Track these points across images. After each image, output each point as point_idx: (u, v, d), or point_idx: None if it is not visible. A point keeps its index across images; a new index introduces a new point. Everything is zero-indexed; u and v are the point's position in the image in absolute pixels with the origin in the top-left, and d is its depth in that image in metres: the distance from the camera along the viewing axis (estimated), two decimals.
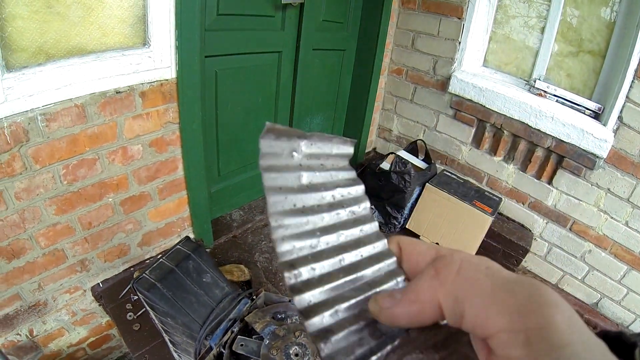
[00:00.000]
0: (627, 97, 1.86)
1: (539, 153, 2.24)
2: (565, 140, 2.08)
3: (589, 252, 2.20)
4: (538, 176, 2.29)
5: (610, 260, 2.12)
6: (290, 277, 0.23)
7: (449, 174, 2.59)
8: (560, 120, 2.06)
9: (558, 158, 2.17)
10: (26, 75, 1.16)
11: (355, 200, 0.28)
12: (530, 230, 2.41)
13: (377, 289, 0.26)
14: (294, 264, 0.23)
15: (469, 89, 2.37)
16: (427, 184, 2.41)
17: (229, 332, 1.33)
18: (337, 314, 0.23)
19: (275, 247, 0.23)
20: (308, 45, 2.24)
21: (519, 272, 2.37)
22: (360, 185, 0.29)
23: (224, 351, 1.26)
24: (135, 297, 1.66)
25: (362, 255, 0.27)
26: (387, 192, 2.44)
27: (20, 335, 1.52)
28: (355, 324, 0.24)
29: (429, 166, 2.57)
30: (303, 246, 0.24)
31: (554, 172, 2.22)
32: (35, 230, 1.39)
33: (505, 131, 2.33)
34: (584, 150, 2.03)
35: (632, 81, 1.83)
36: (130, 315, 1.63)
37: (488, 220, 2.23)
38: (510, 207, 2.47)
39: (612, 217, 2.06)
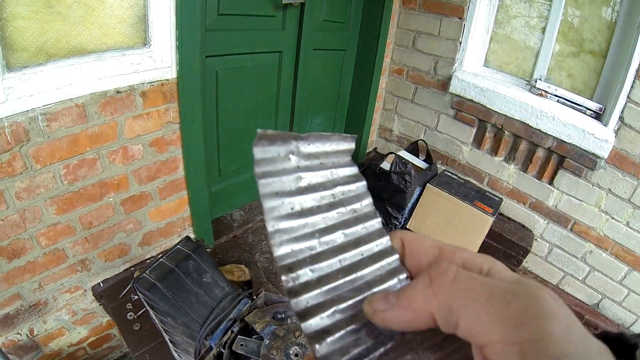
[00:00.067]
0: (628, 97, 1.85)
1: (540, 153, 2.23)
2: (566, 140, 2.07)
3: (589, 252, 2.19)
4: (539, 176, 2.29)
5: (611, 261, 2.12)
6: (287, 281, 0.23)
7: (450, 174, 2.58)
8: (561, 120, 2.06)
9: (559, 158, 2.17)
10: (27, 75, 1.16)
11: (357, 198, 0.28)
12: (531, 231, 2.41)
13: (377, 289, 0.25)
14: (291, 267, 0.23)
15: (470, 89, 2.36)
16: (427, 184, 2.41)
17: (229, 332, 1.33)
18: (334, 315, 0.23)
19: (273, 252, 0.23)
20: (309, 45, 2.24)
21: (519, 272, 2.37)
22: (362, 181, 0.29)
23: (223, 351, 1.26)
24: (136, 297, 1.66)
25: (362, 255, 0.26)
26: (388, 193, 2.44)
27: (20, 334, 1.53)
28: (352, 324, 0.23)
29: (429, 166, 2.57)
30: (301, 249, 0.24)
31: (554, 173, 2.21)
32: (36, 229, 1.39)
33: (506, 131, 2.32)
34: (585, 150, 2.03)
35: (633, 81, 1.82)
36: (130, 315, 1.64)
37: (489, 220, 2.23)
38: (511, 208, 2.46)
39: (613, 218, 2.05)
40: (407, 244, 0.28)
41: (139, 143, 1.56)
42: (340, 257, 0.25)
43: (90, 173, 1.46)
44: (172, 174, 1.74)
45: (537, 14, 2.20)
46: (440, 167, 2.70)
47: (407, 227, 2.48)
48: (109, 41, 1.34)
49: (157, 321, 1.45)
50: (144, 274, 1.41)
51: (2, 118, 1.15)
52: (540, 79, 2.24)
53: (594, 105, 2.08)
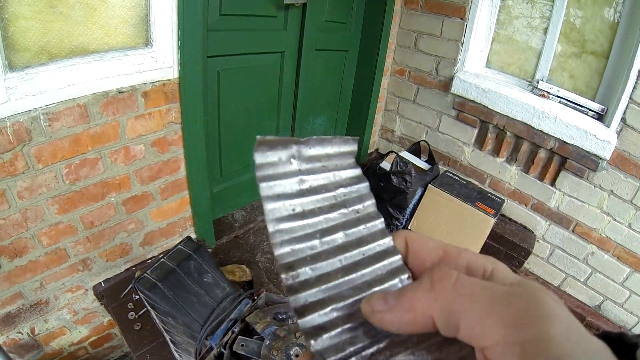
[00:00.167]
0: (630, 98, 1.85)
1: (542, 154, 2.23)
2: (568, 141, 2.07)
3: (591, 254, 2.19)
4: (541, 177, 2.28)
5: (613, 262, 2.11)
6: (287, 279, 0.23)
7: (452, 175, 2.58)
8: (563, 121, 2.06)
9: (561, 159, 2.17)
10: (29, 75, 1.16)
11: (360, 199, 0.28)
12: (532, 232, 2.40)
13: (377, 288, 0.25)
14: (292, 266, 0.23)
15: (472, 89, 2.36)
16: (429, 185, 2.41)
17: (230, 332, 1.33)
18: (332, 313, 0.23)
19: (274, 251, 0.23)
20: (311, 46, 2.24)
21: (521, 274, 2.37)
22: (364, 182, 0.29)
23: (224, 351, 1.26)
24: (137, 297, 1.67)
25: (363, 254, 0.26)
26: (389, 193, 2.44)
27: (21, 333, 1.53)
28: (349, 322, 0.23)
29: (431, 167, 2.57)
30: (302, 248, 0.24)
31: (556, 174, 2.21)
32: (38, 229, 1.39)
33: (508, 132, 2.32)
34: (587, 151, 2.02)
35: (636, 82, 1.82)
36: (131, 315, 1.64)
37: (490, 221, 2.23)
38: (513, 209, 2.46)
39: (615, 219, 2.05)
40: (411, 245, 0.28)
41: (141, 143, 1.56)
42: (341, 256, 0.25)
43: (92, 173, 1.46)
44: (174, 174, 1.74)
45: (539, 15, 2.20)
46: (442, 168, 2.69)
47: (409, 228, 2.48)
48: (111, 41, 1.35)
49: (158, 321, 1.45)
50: (145, 274, 1.41)
51: (4, 118, 1.16)
52: (542, 80, 2.24)
53: (596, 106, 2.08)
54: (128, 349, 1.62)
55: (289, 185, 0.25)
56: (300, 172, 0.25)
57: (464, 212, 2.29)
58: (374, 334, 0.23)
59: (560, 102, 2.17)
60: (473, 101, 2.39)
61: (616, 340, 0.21)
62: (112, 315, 1.67)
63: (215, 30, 1.74)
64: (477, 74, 2.43)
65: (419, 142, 2.76)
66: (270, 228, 0.23)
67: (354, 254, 0.26)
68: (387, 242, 0.28)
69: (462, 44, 2.37)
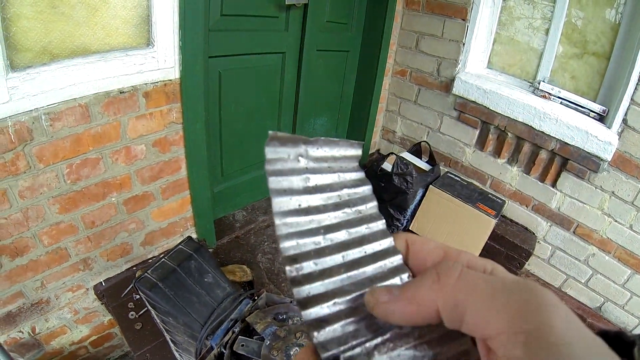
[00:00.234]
0: (631, 99, 1.85)
1: (543, 155, 2.23)
2: (569, 142, 2.07)
3: (592, 255, 2.18)
4: (542, 179, 2.28)
5: (614, 264, 2.11)
6: (291, 271, 0.24)
7: (453, 176, 2.58)
8: (564, 122, 2.05)
9: (562, 160, 2.16)
10: (30, 75, 1.17)
11: (363, 200, 0.29)
12: (533, 233, 2.40)
13: (379, 285, 0.26)
14: (296, 259, 0.24)
15: (473, 90, 2.36)
16: (430, 185, 2.41)
17: (230, 332, 1.33)
18: (335, 306, 0.24)
19: (279, 242, 0.24)
20: (312, 46, 2.24)
21: (522, 275, 2.37)
22: (367, 185, 0.29)
23: (224, 351, 1.26)
24: (138, 296, 1.67)
25: (365, 252, 0.27)
26: (390, 194, 2.44)
27: (22, 332, 1.53)
28: (352, 316, 0.24)
29: (432, 168, 2.56)
30: (306, 243, 0.25)
31: (557, 175, 2.20)
32: (39, 228, 1.40)
33: (509, 133, 2.32)
34: (588, 152, 2.02)
35: (637, 83, 1.81)
36: (132, 314, 1.64)
37: (491, 222, 2.23)
38: (514, 210, 2.46)
39: (616, 221, 2.05)
40: (411, 246, 0.29)
41: (142, 143, 1.56)
42: (344, 253, 0.26)
43: (93, 173, 1.47)
44: (175, 174, 1.75)
45: (541, 16, 2.19)
46: (443, 169, 2.69)
47: (410, 228, 2.48)
48: (113, 42, 1.35)
49: (158, 321, 1.45)
50: (145, 274, 1.41)
51: (6, 117, 1.16)
52: (543, 81, 2.23)
53: (597, 108, 2.07)
54: (128, 348, 1.62)
55: (296, 181, 0.25)
56: (307, 170, 0.26)
57: (465, 213, 2.29)
58: (376, 328, 0.24)
59: (561, 103, 2.17)
60: (474, 102, 2.39)
61: (614, 338, 0.21)
62: (113, 315, 1.67)
63: (217, 31, 1.74)
64: (478, 74, 2.43)
65: (420, 142, 2.76)
66: (277, 221, 0.24)
67: (356, 252, 0.26)
68: (388, 242, 0.28)
69: (464, 44, 2.37)
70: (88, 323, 1.76)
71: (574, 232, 2.22)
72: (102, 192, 1.53)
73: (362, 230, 0.28)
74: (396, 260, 0.28)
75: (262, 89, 2.13)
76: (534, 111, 2.15)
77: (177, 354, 1.47)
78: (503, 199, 2.44)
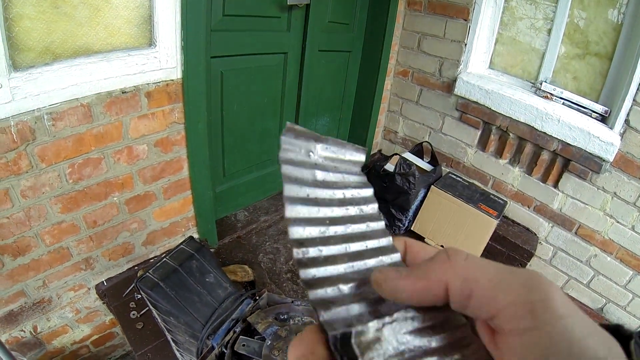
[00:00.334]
0: (634, 100, 1.84)
1: (545, 156, 2.22)
2: (571, 143, 2.06)
3: (594, 256, 2.18)
4: (544, 179, 2.28)
5: (616, 265, 2.11)
6: (298, 253, 0.24)
7: (455, 177, 2.58)
8: (566, 123, 2.05)
9: (564, 161, 2.16)
10: (33, 75, 1.17)
11: (365, 200, 0.30)
12: (535, 234, 2.40)
13: None
14: (302, 243, 0.25)
15: (475, 91, 2.36)
16: (432, 186, 2.40)
17: (231, 332, 1.33)
18: (339, 291, 0.24)
19: (287, 225, 0.24)
20: (314, 47, 2.24)
21: None
22: (369, 188, 0.31)
23: (225, 351, 1.26)
24: (139, 296, 1.67)
25: (367, 246, 0.28)
26: (392, 194, 2.44)
27: (24, 331, 1.54)
28: (356, 302, 0.24)
29: (434, 168, 2.56)
30: (313, 230, 0.25)
31: (559, 176, 2.20)
32: (41, 228, 1.40)
33: (511, 134, 2.32)
34: (590, 153, 2.01)
35: None
36: (133, 314, 1.64)
37: (493, 223, 2.22)
38: (516, 211, 2.45)
39: (618, 222, 2.04)
40: (409, 247, 0.30)
41: (144, 143, 1.57)
42: (347, 245, 0.27)
43: (95, 172, 1.47)
44: (177, 174, 1.75)
45: (543, 16, 2.19)
46: (445, 169, 2.69)
47: (411, 229, 2.48)
48: (115, 42, 1.35)
49: (159, 320, 1.45)
50: (147, 273, 1.42)
51: (9, 117, 1.17)
52: (545, 81, 2.23)
53: (599, 108, 2.07)
54: (130, 347, 1.62)
55: (306, 173, 0.26)
56: (315, 166, 0.27)
57: (467, 213, 2.29)
58: (380, 314, 0.24)
59: (563, 103, 2.17)
60: (476, 102, 2.38)
61: (612, 332, 0.21)
62: (114, 314, 1.68)
63: (219, 31, 1.74)
64: (480, 75, 2.43)
65: (422, 143, 2.76)
66: (287, 205, 0.25)
67: (359, 245, 0.27)
68: (387, 241, 0.29)
69: (466, 45, 2.37)
70: (89, 322, 1.76)
71: (575, 233, 2.22)
72: (104, 191, 1.53)
73: (364, 227, 0.29)
74: (395, 257, 0.28)
75: (264, 89, 2.13)
76: (535, 112, 2.15)
77: (178, 354, 1.47)
78: (505, 199, 2.44)
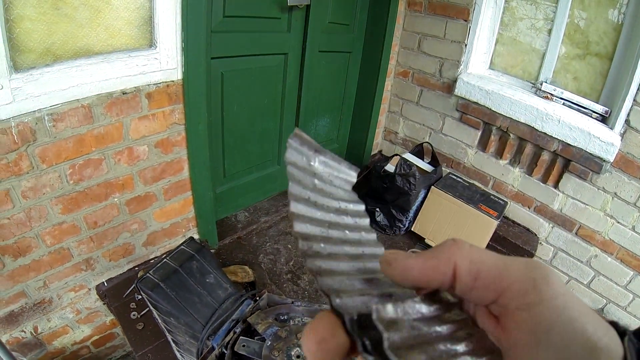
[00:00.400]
0: (634, 100, 1.84)
1: (545, 156, 2.22)
2: (571, 143, 2.06)
3: (595, 257, 2.18)
4: (544, 180, 2.28)
5: (617, 265, 2.10)
6: (303, 245, 0.25)
7: (455, 177, 2.58)
8: (566, 123, 2.05)
9: (564, 162, 2.16)
10: (33, 76, 1.17)
11: (357, 214, 0.31)
12: (535, 235, 2.40)
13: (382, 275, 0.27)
14: (307, 237, 0.25)
15: (475, 91, 2.36)
16: (432, 187, 2.40)
17: (231, 333, 1.33)
18: (345, 283, 0.25)
19: (292, 219, 0.25)
20: (314, 47, 2.24)
21: None
22: (362, 204, 0.32)
23: (225, 351, 1.27)
24: (140, 297, 1.67)
25: (364, 252, 0.29)
26: (392, 195, 2.44)
27: (24, 332, 1.54)
28: (365, 295, 0.25)
29: (434, 169, 2.56)
30: (314, 229, 0.26)
31: (560, 176, 2.20)
32: (41, 228, 1.40)
33: (511, 134, 2.32)
34: (590, 154, 2.01)
35: None
36: (134, 315, 1.65)
37: (493, 223, 2.22)
38: (516, 211, 2.45)
39: (618, 222, 2.04)
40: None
41: (144, 144, 1.57)
42: (346, 247, 0.28)
43: (96, 173, 1.47)
44: (177, 175, 1.75)
45: (543, 16, 2.19)
46: (445, 170, 2.69)
47: (412, 229, 2.48)
48: (115, 43, 1.36)
49: (160, 321, 1.46)
50: (147, 274, 1.42)
51: (9, 118, 1.17)
52: (545, 82, 2.23)
53: (599, 108, 2.07)
54: (130, 348, 1.62)
55: (307, 179, 0.28)
56: (315, 175, 0.28)
57: (467, 214, 2.29)
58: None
59: (563, 104, 2.17)
60: (476, 103, 2.38)
61: None
62: (115, 315, 1.68)
63: (219, 32, 1.74)
64: (480, 75, 2.43)
65: (422, 143, 2.76)
66: (291, 202, 0.26)
67: (356, 249, 0.28)
68: (381, 251, 0.30)
69: (466, 45, 2.37)
70: (90, 323, 1.77)
71: (576, 234, 2.22)
72: (104, 192, 1.53)
73: (359, 235, 0.30)
74: None
75: (264, 90, 2.13)
76: (536, 112, 2.15)
77: (178, 354, 1.47)
78: (505, 200, 2.44)
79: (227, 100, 1.94)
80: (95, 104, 1.35)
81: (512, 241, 2.33)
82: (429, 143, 2.73)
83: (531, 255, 2.30)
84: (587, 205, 2.13)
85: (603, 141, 1.94)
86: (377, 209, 2.51)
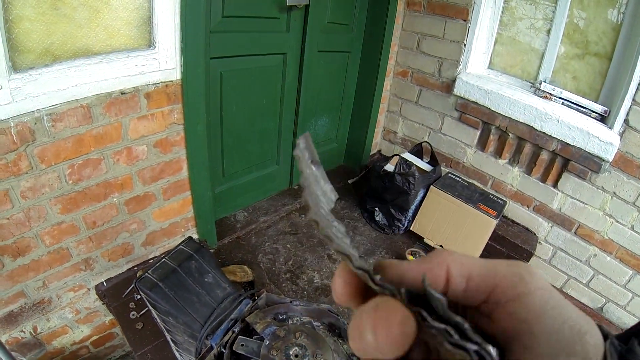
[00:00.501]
0: (633, 99, 1.84)
1: (544, 156, 2.23)
2: (570, 143, 2.06)
3: (594, 256, 2.18)
4: (543, 179, 2.28)
5: (616, 264, 2.11)
6: (316, 221, 0.26)
7: (454, 177, 2.58)
8: (565, 123, 2.05)
9: (563, 161, 2.16)
10: (33, 76, 1.18)
11: (343, 229, 0.31)
12: (534, 234, 2.40)
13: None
14: (318, 222, 0.26)
15: (474, 91, 2.36)
16: (431, 186, 2.40)
17: (230, 332, 1.34)
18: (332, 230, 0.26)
19: (307, 201, 0.26)
20: (313, 47, 2.24)
21: None
22: (342, 225, 0.32)
23: (224, 351, 1.27)
24: (139, 296, 1.68)
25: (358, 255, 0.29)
26: (391, 194, 2.44)
27: (24, 332, 1.54)
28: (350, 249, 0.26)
29: (434, 168, 2.56)
30: (324, 220, 0.27)
31: (559, 176, 2.20)
32: (41, 228, 1.41)
33: (510, 134, 2.32)
34: (589, 153, 2.02)
35: (639, 84, 1.81)
36: (133, 314, 1.65)
37: (492, 223, 2.22)
38: (515, 210, 2.46)
39: (617, 221, 2.04)
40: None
41: (143, 144, 1.57)
42: (347, 240, 0.28)
43: (95, 173, 1.47)
44: (176, 175, 1.75)
45: (542, 16, 2.19)
46: (444, 170, 2.69)
47: (411, 229, 2.48)
48: (114, 43, 1.36)
49: (159, 320, 1.46)
50: (146, 274, 1.42)
51: (8, 118, 1.17)
52: (545, 81, 2.23)
53: (599, 108, 2.07)
54: (129, 348, 1.63)
55: (311, 178, 0.28)
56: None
57: (466, 213, 2.29)
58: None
59: (562, 103, 2.17)
60: (475, 103, 2.39)
61: None
62: (114, 315, 1.68)
63: (218, 32, 1.75)
64: (479, 75, 2.43)
65: (421, 143, 2.76)
66: (305, 188, 0.27)
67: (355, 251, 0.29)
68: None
69: (465, 45, 2.37)
70: (89, 323, 1.77)
71: (575, 233, 2.22)
72: (103, 192, 1.53)
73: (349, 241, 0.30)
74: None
75: (263, 90, 2.13)
76: (535, 112, 2.15)
77: (177, 354, 1.48)
78: (504, 199, 2.44)
79: (226, 100, 1.95)
80: (94, 104, 1.36)
81: (511, 240, 2.33)
82: (428, 143, 2.73)
83: (530, 254, 2.30)
84: (586, 204, 2.13)
85: (602, 141, 1.94)
86: (376, 209, 2.51)
